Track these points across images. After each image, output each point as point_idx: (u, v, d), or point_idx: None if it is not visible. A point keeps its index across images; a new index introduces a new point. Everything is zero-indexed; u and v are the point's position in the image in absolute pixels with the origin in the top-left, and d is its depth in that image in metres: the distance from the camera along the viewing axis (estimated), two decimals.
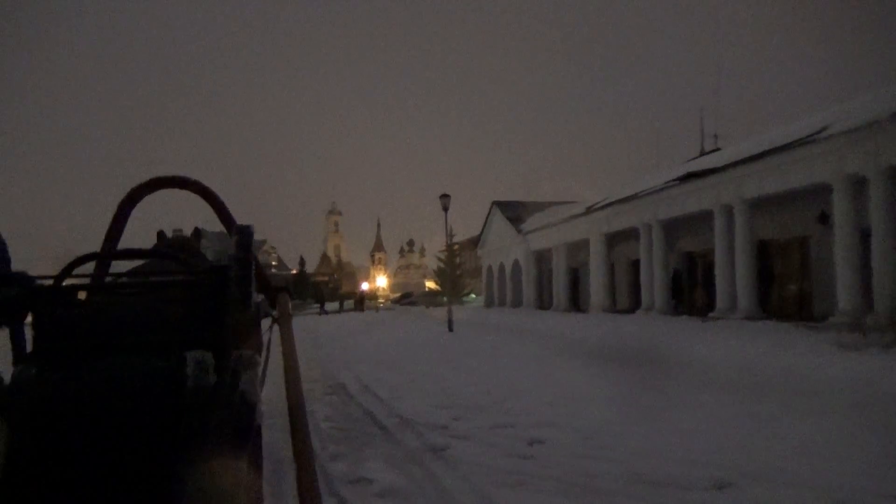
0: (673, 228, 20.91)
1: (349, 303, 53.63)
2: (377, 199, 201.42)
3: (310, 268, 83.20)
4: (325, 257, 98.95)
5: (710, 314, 17.44)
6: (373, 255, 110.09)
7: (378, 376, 9.24)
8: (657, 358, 10.40)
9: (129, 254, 1.91)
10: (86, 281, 1.84)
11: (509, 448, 4.80)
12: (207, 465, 1.26)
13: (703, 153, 47.27)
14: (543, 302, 31.46)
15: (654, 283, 20.65)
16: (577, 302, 28.48)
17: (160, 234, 2.19)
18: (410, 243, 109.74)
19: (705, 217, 18.98)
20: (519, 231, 32.45)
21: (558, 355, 11.30)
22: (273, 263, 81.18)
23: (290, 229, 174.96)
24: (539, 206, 35.07)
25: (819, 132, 13.90)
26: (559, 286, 28.41)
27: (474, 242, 58.81)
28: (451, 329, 17.07)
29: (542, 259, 31.91)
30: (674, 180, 19.40)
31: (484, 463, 4.37)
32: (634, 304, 25.07)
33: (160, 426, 1.34)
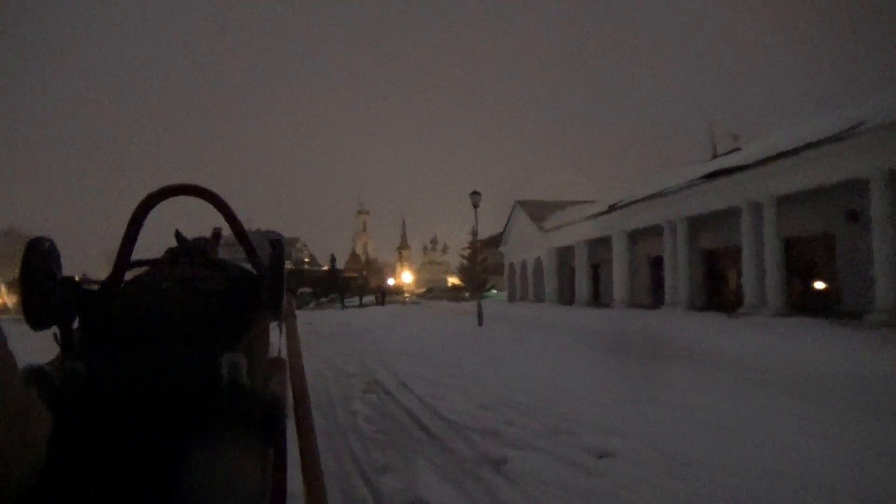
0: (694, 225, 19.91)
1: (369, 298, 52.91)
2: (402, 199, 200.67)
3: (340, 264, 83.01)
4: (354, 254, 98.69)
5: (738, 310, 16.46)
6: (399, 253, 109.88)
7: (414, 372, 8.52)
8: (698, 354, 9.53)
9: (172, 262, 1.87)
10: (128, 286, 1.79)
11: (576, 461, 4.02)
12: (237, 463, 1.29)
13: (715, 153, 45.97)
14: (565, 297, 30.58)
15: (679, 279, 19.67)
16: (597, 297, 27.58)
17: (178, 234, 2.12)
18: (434, 241, 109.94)
19: (728, 214, 18.03)
20: (541, 229, 31.56)
21: (592, 349, 10.48)
22: (305, 260, 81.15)
23: (321, 227, 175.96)
24: (559, 205, 34.23)
25: (856, 126, 12.86)
26: (581, 282, 27.50)
27: (496, 240, 58.20)
28: (480, 323, 16.26)
29: (563, 255, 31.02)
30: (700, 178, 18.39)
31: (553, 481, 3.60)
32: (655, 300, 24.13)
33: (196, 423, 1.29)
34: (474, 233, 56.55)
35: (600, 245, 27.02)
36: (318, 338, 15.67)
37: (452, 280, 63.85)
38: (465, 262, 55.30)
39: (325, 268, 74.71)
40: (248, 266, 1.87)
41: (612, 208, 23.82)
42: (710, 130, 36.96)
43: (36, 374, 1.33)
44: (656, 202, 20.75)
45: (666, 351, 10.12)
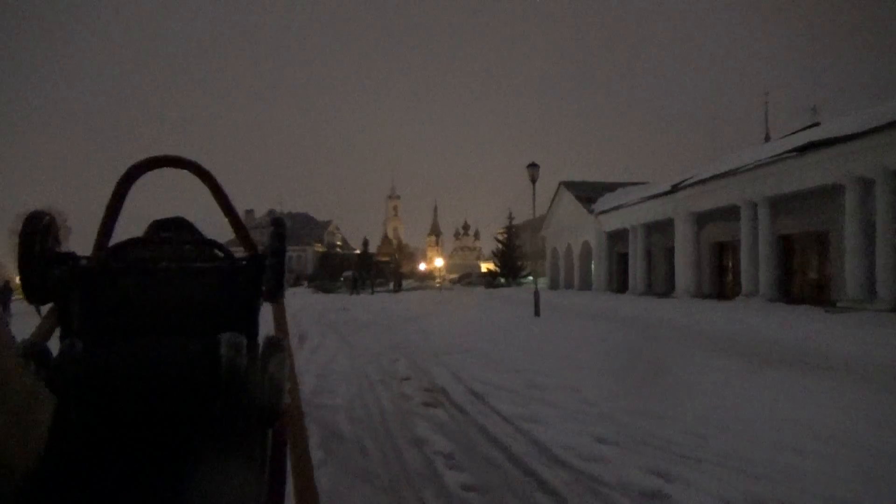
0: (774, 208, 17.56)
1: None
2: (433, 185, 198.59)
3: (372, 249, 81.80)
4: (385, 238, 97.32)
5: (838, 304, 14.20)
6: (431, 238, 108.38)
7: (482, 376, 6.68)
8: (853, 368, 7.47)
9: (174, 241, 1.74)
10: (127, 263, 1.68)
11: None
12: (237, 440, 1.29)
13: (768, 135, 42.83)
14: (615, 285, 28.41)
15: (760, 267, 17.39)
16: (651, 286, 25.32)
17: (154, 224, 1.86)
18: (465, 227, 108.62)
19: (813, 194, 15.73)
20: (590, 211, 29.34)
21: (700, 352, 8.50)
22: (338, 244, 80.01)
23: (353, 211, 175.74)
24: (608, 187, 31.93)
25: None
26: (636, 269, 25.30)
27: (532, 224, 55.96)
28: (537, 313, 14.31)
29: (613, 241, 28.81)
30: (789, 151, 16.01)
31: None
32: (720, 289, 21.85)
33: (197, 402, 1.29)
34: (510, 219, 54.48)
35: (655, 230, 24.81)
36: (356, 327, 13.95)
37: (487, 266, 61.64)
38: (501, 246, 52.98)
39: (358, 251, 73.51)
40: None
41: (675, 188, 21.53)
42: (764, 113, 34.17)
43: (34, 352, 1.35)
44: (731, 181, 18.42)
45: (790, 354, 8.07)
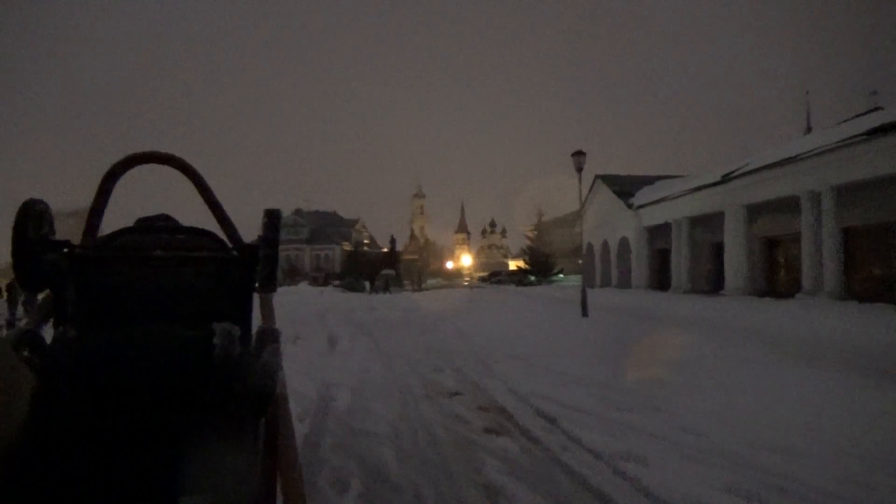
0: (836, 199, 16.06)
1: (433, 281, 49.81)
2: (459, 183, 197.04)
3: (398, 247, 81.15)
4: (413, 236, 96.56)
5: None
6: (458, 236, 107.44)
7: (545, 391, 5.61)
8: None
9: (166, 229, 1.74)
10: (122, 251, 1.69)
11: None
12: (230, 429, 1.28)
13: (809, 125, 40.74)
14: (656, 282, 26.98)
15: (825, 262, 15.94)
16: (695, 283, 23.84)
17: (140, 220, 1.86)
18: (492, 224, 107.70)
19: (880, 183, 14.28)
20: (629, 206, 27.94)
21: (790, 363, 7.31)
22: (365, 241, 79.41)
23: (380, 210, 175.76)
24: (646, 180, 30.48)
25: None
26: (680, 265, 23.88)
27: (567, 221, 54.36)
28: (585, 313, 13.14)
29: (653, 236, 27.38)
30: (860, 135, 14.55)
31: None
32: (771, 287, 20.37)
33: (189, 390, 1.29)
34: (539, 214, 53.09)
35: (697, 224, 23.38)
36: (388, 328, 12.97)
37: (517, 263, 60.25)
38: (531, 243, 51.56)
39: (385, 250, 72.86)
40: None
41: (726, 178, 20.09)
42: (805, 103, 32.62)
43: (28, 339, 1.37)
44: (791, 169, 16.96)
45: None
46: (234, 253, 1.69)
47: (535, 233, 51.87)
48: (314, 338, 11.19)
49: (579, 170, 14.13)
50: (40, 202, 1.53)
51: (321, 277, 56.79)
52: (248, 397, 1.34)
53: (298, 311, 19.71)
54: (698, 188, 21.93)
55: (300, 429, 4.46)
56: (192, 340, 1.36)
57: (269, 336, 1.56)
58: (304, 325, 13.92)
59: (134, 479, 1.22)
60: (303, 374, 6.96)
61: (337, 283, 50.61)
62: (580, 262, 46.11)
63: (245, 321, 1.57)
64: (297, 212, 73.78)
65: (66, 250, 1.52)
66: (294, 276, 60.64)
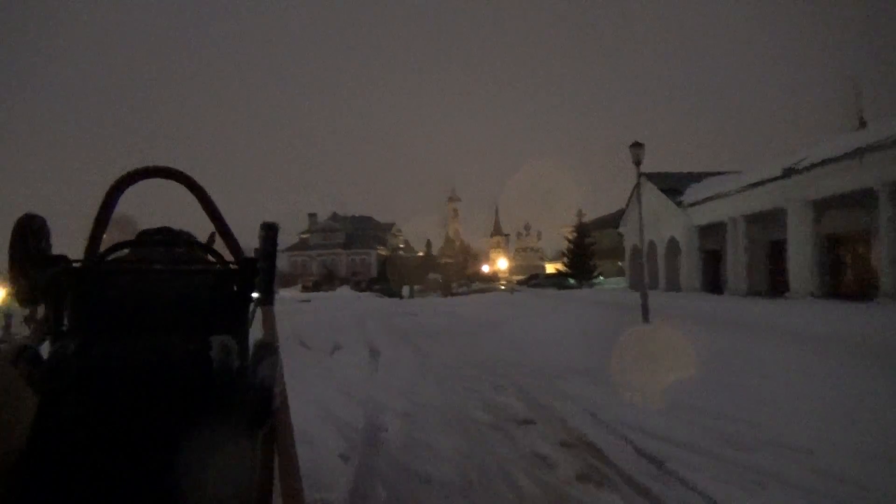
0: None
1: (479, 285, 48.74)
2: (493, 186, 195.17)
3: (434, 250, 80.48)
4: (448, 240, 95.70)
5: None
6: (494, 239, 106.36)
7: (638, 420, 4.64)
8: None
9: (164, 243, 1.78)
10: (120, 265, 1.76)
11: None
12: (228, 442, 1.26)
13: (861, 120, 38.50)
14: (707, 284, 25.48)
15: None
16: (752, 285, 22.29)
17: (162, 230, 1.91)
18: (527, 227, 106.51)
19: None
20: (678, 204, 26.51)
21: None
22: (400, 246, 78.90)
23: (415, 214, 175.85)
24: (695, 177, 28.94)
25: None
26: (736, 266, 22.42)
27: (603, 221, 52.74)
28: (646, 319, 12.04)
29: (703, 236, 25.89)
30: None
31: None
32: (837, 289, 18.78)
33: (187, 404, 1.29)
34: (580, 215, 51.60)
35: (752, 222, 21.89)
36: (431, 336, 12.12)
37: (555, 266, 58.80)
38: (570, 245, 50.02)
39: (421, 254, 72.23)
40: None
41: (789, 172, 18.64)
42: (855, 96, 30.96)
43: (26, 354, 1.35)
44: (868, 159, 15.47)
45: None
46: (233, 266, 1.69)
47: (575, 234, 50.31)
48: (354, 347, 10.41)
49: (637, 163, 13.06)
50: (37, 217, 1.53)
51: (364, 282, 56.68)
52: (245, 411, 1.32)
53: (336, 317, 19.09)
54: (757, 183, 20.48)
55: (344, 471, 3.62)
56: (189, 354, 1.35)
57: (267, 349, 1.52)
58: (343, 332, 13.20)
59: (133, 492, 1.20)
60: (344, 392, 6.14)
61: (377, 286, 50.32)
62: (620, 263, 44.75)
63: (243, 334, 1.55)
64: (334, 216, 73.63)
65: (63, 265, 1.52)
66: (332, 281, 60.44)
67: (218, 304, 1.54)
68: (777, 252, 21.28)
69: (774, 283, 21.38)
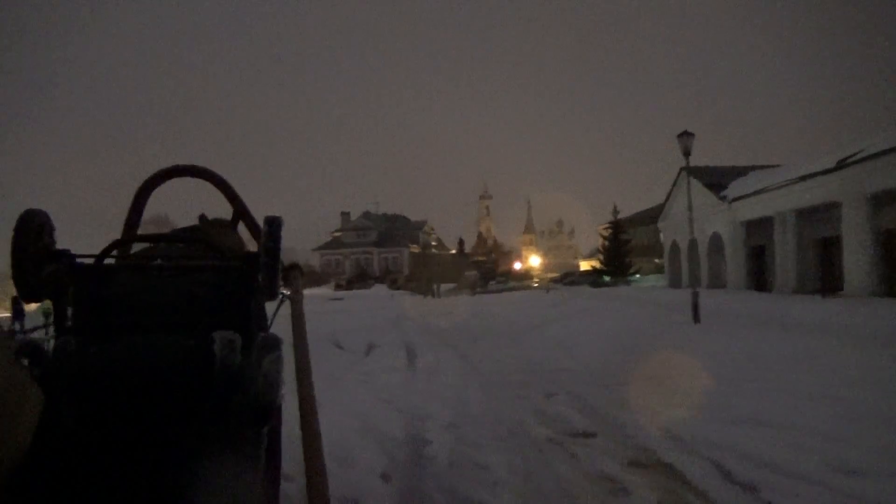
0: None
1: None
2: (525, 183, 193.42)
3: (466, 248, 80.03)
4: (480, 238, 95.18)
5: None
6: (526, 236, 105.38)
7: (710, 434, 4.13)
8: None
9: (167, 238, 1.84)
10: (124, 261, 1.77)
11: None
12: (231, 439, 1.23)
13: None
14: (753, 282, 24.39)
15: None
16: (802, 282, 21.15)
17: (202, 217, 1.97)
18: (560, 224, 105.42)
19: None
20: (722, 199, 25.47)
21: None
22: (433, 244, 78.68)
23: (447, 211, 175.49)
24: (739, 171, 27.89)
25: None
26: (785, 263, 21.35)
27: (641, 218, 51.39)
28: (696, 319, 11.34)
29: (748, 232, 24.80)
30: None
31: None
32: (891, 286, 17.61)
33: (190, 400, 1.26)
34: (615, 212, 50.42)
35: (801, 217, 20.79)
36: (471, 337, 11.70)
37: (590, 263, 57.62)
38: (606, 242, 48.90)
39: (453, 251, 71.84)
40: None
41: (843, 164, 17.59)
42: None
43: (28, 349, 1.33)
44: None
45: None
46: (236, 262, 1.68)
47: (611, 231, 49.19)
48: (390, 348, 10.03)
49: (686, 154, 12.36)
50: (41, 213, 1.51)
51: (401, 279, 56.98)
52: (248, 408, 1.30)
53: (370, 316, 18.82)
54: (807, 176, 19.43)
55: (385, 494, 3.19)
56: (192, 350, 1.33)
57: (271, 344, 1.49)
58: (378, 332, 12.86)
59: (136, 489, 1.18)
60: (383, 399, 5.73)
61: (412, 284, 50.38)
62: (657, 261, 43.49)
63: (247, 330, 1.50)
64: (366, 215, 73.72)
65: (66, 260, 1.52)
66: (364, 279, 60.55)
67: (221, 299, 1.52)
68: (828, 248, 20.18)
69: (825, 281, 20.27)
